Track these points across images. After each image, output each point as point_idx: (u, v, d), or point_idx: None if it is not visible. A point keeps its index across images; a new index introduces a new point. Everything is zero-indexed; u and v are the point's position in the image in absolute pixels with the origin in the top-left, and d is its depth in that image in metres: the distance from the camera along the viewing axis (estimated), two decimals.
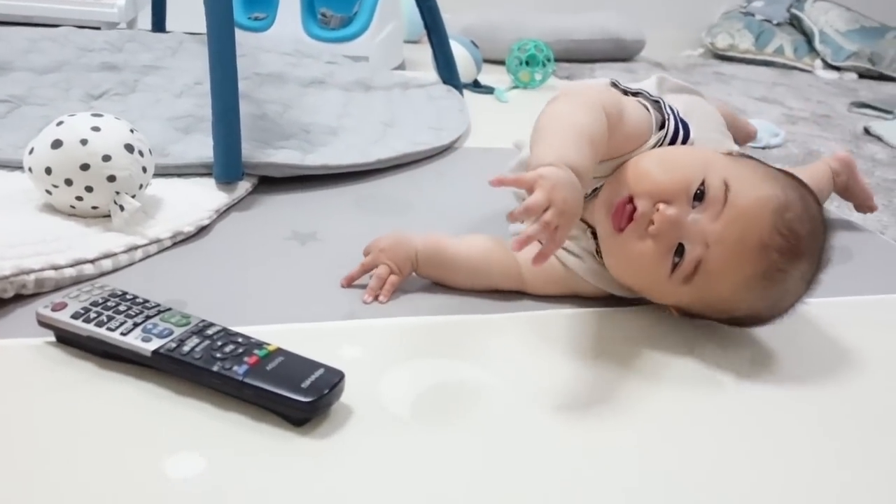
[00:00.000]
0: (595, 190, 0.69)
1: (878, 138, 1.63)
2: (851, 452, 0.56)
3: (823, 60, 2.55)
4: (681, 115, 0.71)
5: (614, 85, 0.74)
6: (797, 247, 0.60)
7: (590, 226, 0.71)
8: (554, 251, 0.56)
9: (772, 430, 0.57)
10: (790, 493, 0.51)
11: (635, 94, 0.72)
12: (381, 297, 0.70)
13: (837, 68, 2.54)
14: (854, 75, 2.52)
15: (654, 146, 0.68)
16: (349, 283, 0.72)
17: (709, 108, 0.89)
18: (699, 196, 0.61)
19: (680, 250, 0.61)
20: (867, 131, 1.67)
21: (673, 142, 0.69)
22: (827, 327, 0.64)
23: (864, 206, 1.05)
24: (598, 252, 0.71)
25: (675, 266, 0.62)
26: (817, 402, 0.61)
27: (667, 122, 0.69)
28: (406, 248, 0.73)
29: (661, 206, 0.61)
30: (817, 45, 2.56)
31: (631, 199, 0.63)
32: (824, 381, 0.64)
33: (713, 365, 0.64)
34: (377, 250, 0.73)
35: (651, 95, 0.71)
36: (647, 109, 0.69)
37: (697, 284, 0.62)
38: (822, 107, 1.96)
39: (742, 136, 1.04)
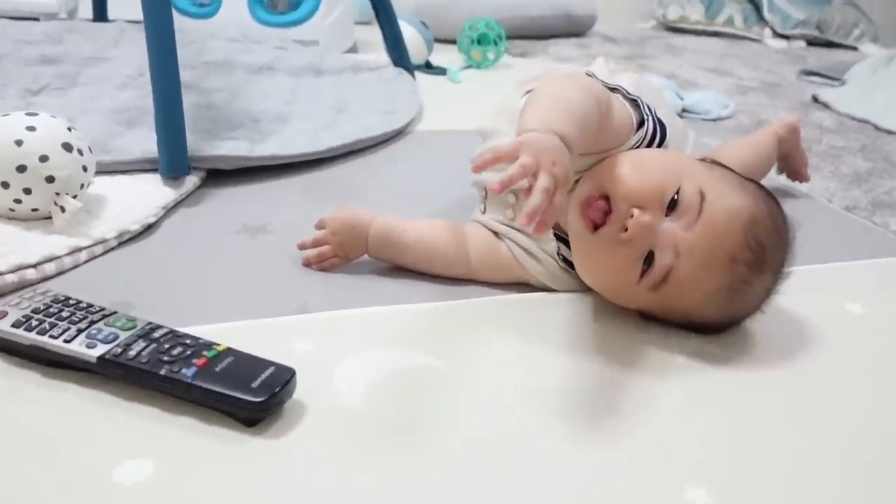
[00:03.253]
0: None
1: (826, 105, 1.65)
2: (823, 426, 0.57)
3: (772, 29, 2.59)
4: (657, 114, 0.70)
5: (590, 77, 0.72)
6: (763, 260, 0.61)
7: (554, 229, 0.70)
8: (554, 219, 0.52)
9: (737, 409, 0.58)
10: (774, 474, 0.52)
11: (613, 89, 0.70)
12: (314, 266, 0.73)
13: (786, 37, 2.57)
14: (802, 43, 2.57)
15: (633, 146, 0.67)
16: (302, 248, 0.75)
17: (653, 87, 0.89)
18: (673, 204, 0.60)
19: (650, 258, 0.61)
20: (815, 99, 1.70)
21: (651, 142, 0.68)
22: (781, 299, 0.65)
23: (798, 173, 1.05)
24: (560, 255, 0.70)
25: (643, 273, 0.61)
26: (783, 377, 0.62)
27: (646, 122, 0.68)
28: (357, 233, 0.73)
29: (636, 211, 0.60)
30: (766, 13, 2.60)
31: (606, 198, 0.62)
32: (787, 353, 0.65)
33: (663, 341, 0.65)
34: (329, 233, 0.73)
35: (629, 94, 0.70)
36: (628, 107, 0.68)
37: (664, 293, 0.61)
38: (771, 76, 1.99)
39: None
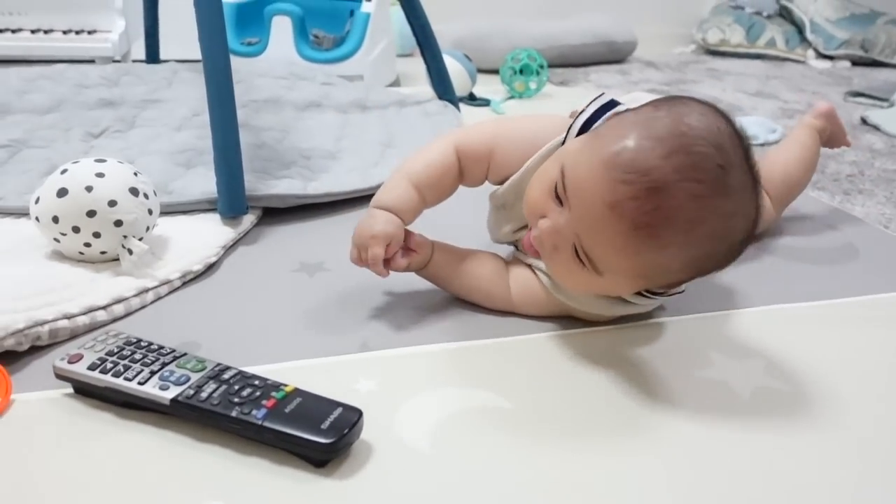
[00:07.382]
0: None
1: (876, 127, 1.63)
2: (880, 467, 0.56)
3: (815, 50, 2.56)
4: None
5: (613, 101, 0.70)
6: (657, 180, 0.54)
7: None
8: (379, 272, 0.71)
9: (794, 448, 0.57)
10: None
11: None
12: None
13: (830, 57, 2.54)
14: (847, 63, 2.53)
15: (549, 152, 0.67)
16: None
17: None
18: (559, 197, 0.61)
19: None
20: (864, 121, 1.67)
21: None
22: (840, 329, 0.63)
23: (840, 143, 1.04)
24: None
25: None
26: (838, 412, 0.61)
27: (567, 137, 0.66)
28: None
29: (540, 221, 0.62)
30: (808, 34, 2.57)
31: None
32: (842, 387, 0.64)
33: (726, 377, 0.64)
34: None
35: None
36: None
37: (604, 270, 0.60)
38: (817, 98, 1.96)
39: None
